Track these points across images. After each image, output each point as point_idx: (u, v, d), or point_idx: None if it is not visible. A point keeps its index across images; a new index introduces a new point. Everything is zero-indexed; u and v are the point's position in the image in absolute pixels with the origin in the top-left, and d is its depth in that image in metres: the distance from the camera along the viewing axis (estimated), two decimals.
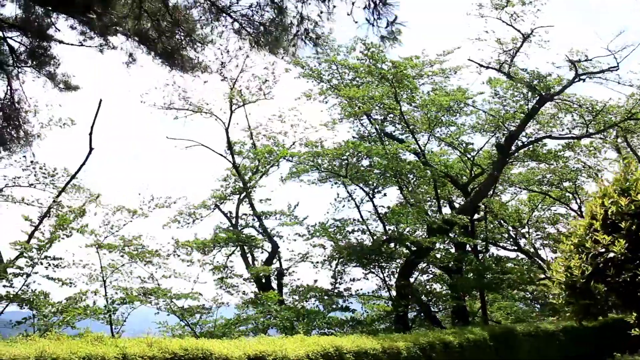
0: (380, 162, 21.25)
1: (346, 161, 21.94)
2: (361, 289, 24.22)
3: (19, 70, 18.86)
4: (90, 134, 18.00)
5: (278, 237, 24.27)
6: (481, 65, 23.61)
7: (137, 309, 20.25)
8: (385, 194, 24.22)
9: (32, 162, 19.59)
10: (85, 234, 19.26)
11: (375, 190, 23.52)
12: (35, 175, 20.54)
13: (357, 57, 22.57)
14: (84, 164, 18.36)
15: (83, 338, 8.21)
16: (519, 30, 23.12)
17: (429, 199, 27.24)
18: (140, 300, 18.25)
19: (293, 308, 20.43)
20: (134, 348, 8.08)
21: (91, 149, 18.15)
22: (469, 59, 23.35)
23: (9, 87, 19.18)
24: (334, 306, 21.33)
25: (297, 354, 9.64)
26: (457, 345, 16.40)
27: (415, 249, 22.83)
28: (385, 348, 12.52)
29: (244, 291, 21.51)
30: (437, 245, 23.15)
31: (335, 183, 25.34)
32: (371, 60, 21.73)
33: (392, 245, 23.84)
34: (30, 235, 17.89)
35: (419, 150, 23.63)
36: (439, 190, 24.80)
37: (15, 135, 19.24)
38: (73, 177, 18.87)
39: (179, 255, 22.23)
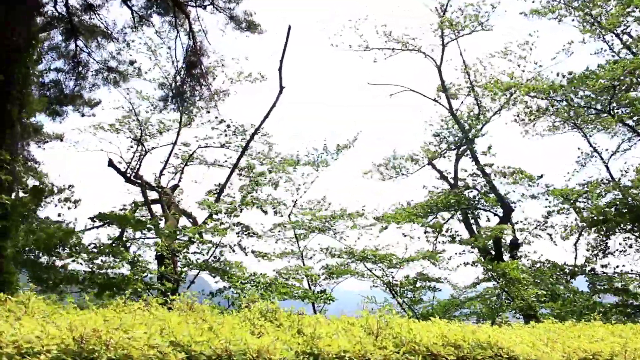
0: None
1: (611, 91, 15.86)
2: (623, 266, 18.04)
3: (199, 8, 16.76)
4: (280, 69, 14.94)
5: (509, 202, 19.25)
6: None
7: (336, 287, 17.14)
8: None
9: (216, 117, 17.46)
10: (275, 206, 16.77)
11: None
12: (226, 135, 18.54)
13: None
14: (274, 105, 15.47)
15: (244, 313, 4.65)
16: None
17: None
18: (349, 272, 14.99)
19: (536, 285, 15.34)
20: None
21: (281, 87, 15.10)
22: None
23: (190, 32, 17.23)
24: (599, 287, 15.74)
25: None
26: None
27: None
28: None
29: (471, 262, 16.92)
30: None
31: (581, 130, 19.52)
32: None
33: None
34: (217, 198, 15.73)
35: None
36: None
37: (198, 89, 17.25)
38: (263, 120, 16.07)
39: (386, 228, 18.60)
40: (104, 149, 19.99)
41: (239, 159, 16.62)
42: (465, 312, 17.30)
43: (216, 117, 17.38)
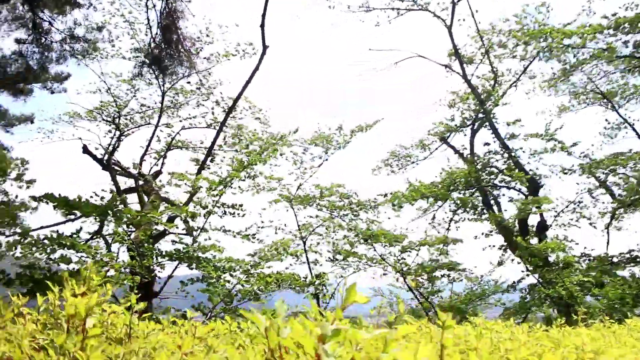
0: None
1: None
2: None
3: None
4: (262, 25, 12.55)
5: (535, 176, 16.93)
6: None
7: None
8: None
9: (198, 89, 15.17)
10: (272, 181, 14.53)
11: None
12: (213, 113, 16.38)
13: None
14: (257, 68, 13.14)
15: None
16: None
17: None
18: (356, 256, 12.68)
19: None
20: None
21: (265, 47, 12.73)
22: None
23: None
24: None
25: None
26: None
27: None
28: None
29: (499, 245, 14.59)
30: None
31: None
32: None
33: None
34: (198, 173, 13.54)
35: None
36: None
37: (176, 55, 15.15)
38: (245, 86, 13.63)
39: (401, 207, 16.36)
40: (81, 137, 18.00)
41: (218, 132, 14.35)
42: (490, 304, 15.10)
43: (198, 89, 15.12)
